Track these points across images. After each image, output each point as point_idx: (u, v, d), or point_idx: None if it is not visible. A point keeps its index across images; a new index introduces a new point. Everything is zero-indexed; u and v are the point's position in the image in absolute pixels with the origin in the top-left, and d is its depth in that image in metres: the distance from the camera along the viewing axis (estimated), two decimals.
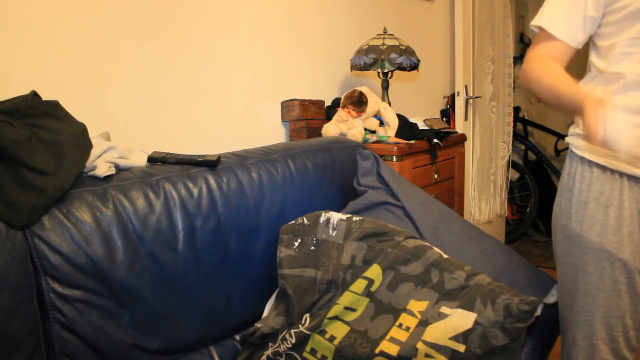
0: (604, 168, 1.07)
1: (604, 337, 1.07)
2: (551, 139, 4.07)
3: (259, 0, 1.86)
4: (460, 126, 2.77)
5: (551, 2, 1.09)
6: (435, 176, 1.99)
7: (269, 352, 1.12)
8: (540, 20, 1.10)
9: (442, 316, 1.01)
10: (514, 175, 3.82)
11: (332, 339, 1.07)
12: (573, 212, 1.10)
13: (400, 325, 1.04)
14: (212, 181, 1.18)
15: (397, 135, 1.91)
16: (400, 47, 2.02)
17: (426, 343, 0.98)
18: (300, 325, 1.10)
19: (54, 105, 1.04)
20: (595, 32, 1.08)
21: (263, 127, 1.92)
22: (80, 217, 0.98)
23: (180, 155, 1.22)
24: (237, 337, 1.23)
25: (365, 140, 1.83)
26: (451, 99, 2.86)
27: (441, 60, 2.98)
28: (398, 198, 1.38)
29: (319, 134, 1.88)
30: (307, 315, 1.12)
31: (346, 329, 1.07)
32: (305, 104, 1.91)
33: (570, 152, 1.15)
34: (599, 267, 1.06)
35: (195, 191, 1.15)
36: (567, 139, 1.16)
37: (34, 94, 1.03)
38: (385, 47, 2.00)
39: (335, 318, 1.09)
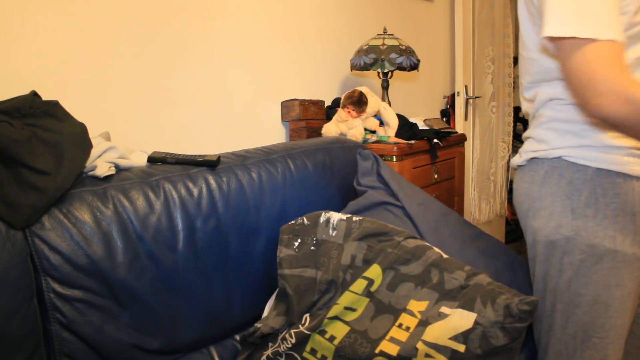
0: (624, 175, 0.97)
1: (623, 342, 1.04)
2: None
3: (259, 0, 1.86)
4: (460, 126, 2.77)
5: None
6: (435, 176, 1.99)
7: (269, 352, 1.12)
8: (608, 31, 0.84)
9: (442, 316, 1.01)
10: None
11: (332, 339, 1.07)
12: (602, 229, 0.99)
13: (400, 325, 1.04)
14: (212, 181, 1.18)
15: (397, 135, 1.91)
16: (400, 47, 2.02)
17: (426, 343, 0.98)
18: (300, 325, 1.10)
19: (54, 105, 1.04)
20: None
21: (263, 127, 1.92)
22: (80, 217, 0.98)
23: (180, 155, 1.22)
24: (237, 337, 1.23)
25: (365, 140, 1.83)
26: (451, 99, 2.86)
27: (441, 60, 2.98)
28: (398, 198, 1.38)
29: (319, 134, 1.88)
30: (307, 315, 1.12)
31: (346, 329, 1.07)
32: (305, 104, 1.91)
33: (571, 166, 1.01)
34: (633, 277, 0.99)
35: (195, 191, 1.15)
36: (563, 152, 1.01)
37: (34, 94, 1.03)
38: (385, 47, 2.00)
39: (335, 318, 1.09)
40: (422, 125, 2.17)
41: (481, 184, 2.98)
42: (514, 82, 3.30)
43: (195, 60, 1.66)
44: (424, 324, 1.02)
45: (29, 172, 0.93)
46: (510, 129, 3.25)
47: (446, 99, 2.97)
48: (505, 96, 3.17)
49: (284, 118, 1.96)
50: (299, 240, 1.21)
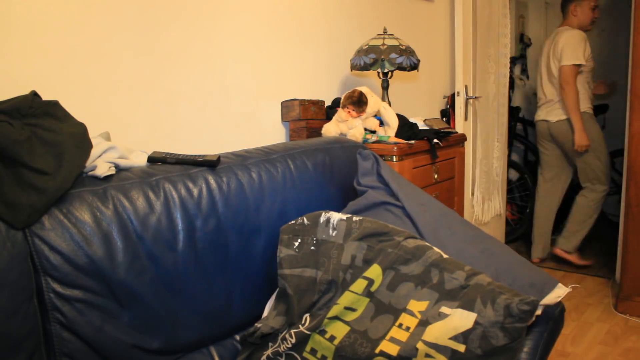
0: None
1: None
2: None
3: (259, 0, 1.86)
4: (460, 126, 2.76)
5: None
6: (435, 176, 1.99)
7: (269, 352, 1.12)
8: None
9: (442, 316, 1.01)
10: (514, 175, 3.82)
11: (332, 338, 1.07)
12: None
13: (400, 325, 1.04)
14: (212, 181, 1.18)
15: (397, 135, 1.91)
16: (400, 47, 2.01)
17: (426, 343, 0.98)
18: (300, 325, 1.10)
19: (54, 105, 1.04)
20: None
21: (263, 127, 1.92)
22: (80, 217, 0.98)
23: (180, 155, 1.22)
24: (237, 337, 1.23)
25: (365, 140, 1.83)
26: (451, 99, 2.86)
27: (441, 60, 2.98)
28: (398, 198, 1.38)
29: (319, 134, 1.88)
30: (307, 315, 1.12)
31: (346, 329, 1.07)
32: (305, 104, 1.91)
33: None
34: None
35: (195, 191, 1.15)
36: None
37: (34, 94, 1.03)
38: (385, 47, 2.00)
39: (335, 318, 1.09)
40: (422, 125, 2.17)
41: (481, 184, 2.98)
42: (513, 82, 3.29)
43: (195, 60, 1.66)
44: (424, 324, 1.02)
45: (29, 172, 0.93)
46: (506, 129, 3.25)
47: (446, 99, 2.96)
48: (501, 96, 3.17)
49: (284, 118, 1.96)
50: (299, 240, 1.21)
